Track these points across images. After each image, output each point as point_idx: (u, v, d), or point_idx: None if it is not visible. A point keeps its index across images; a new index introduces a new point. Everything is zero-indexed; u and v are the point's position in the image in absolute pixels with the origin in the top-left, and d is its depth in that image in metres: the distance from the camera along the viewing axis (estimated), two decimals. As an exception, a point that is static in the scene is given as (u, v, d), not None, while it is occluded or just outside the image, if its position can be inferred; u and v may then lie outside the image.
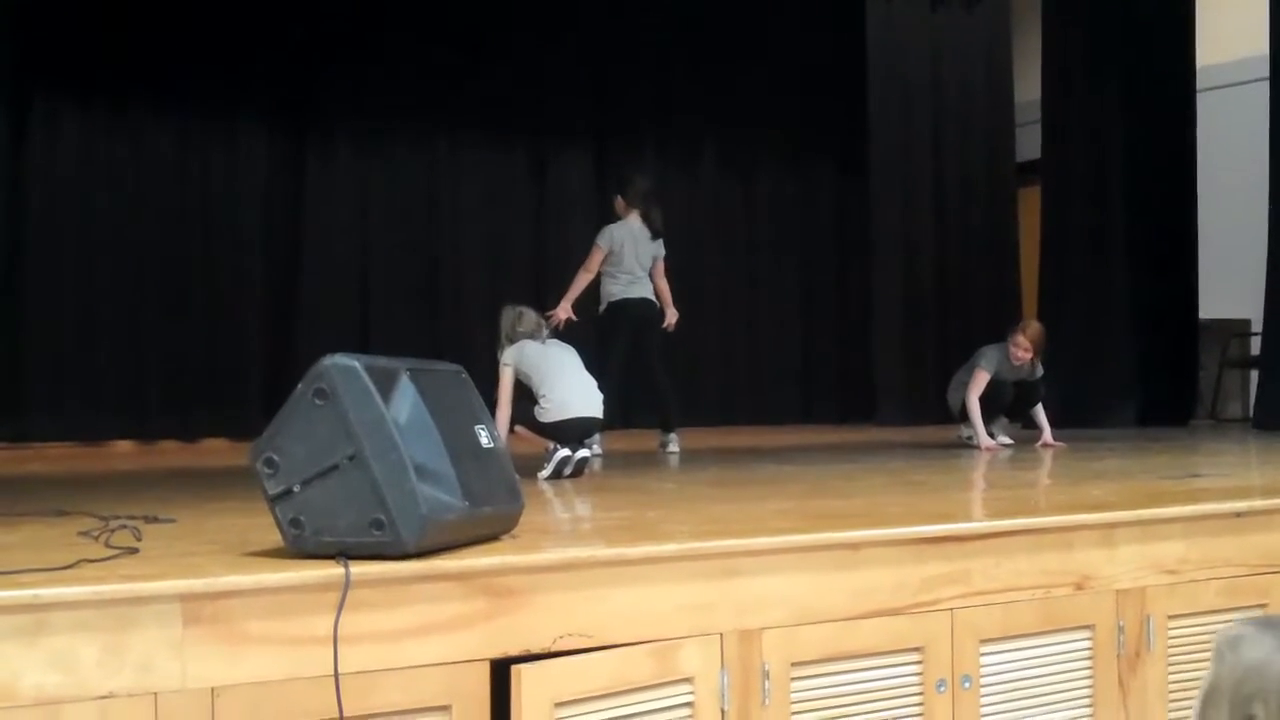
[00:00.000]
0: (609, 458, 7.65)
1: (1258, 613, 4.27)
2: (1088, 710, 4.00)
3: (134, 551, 3.24)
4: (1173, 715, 4.13)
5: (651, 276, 8.26)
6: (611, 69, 11.34)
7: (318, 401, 2.98)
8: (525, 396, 6.16)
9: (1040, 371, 8.39)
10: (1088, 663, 3.99)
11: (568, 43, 11.17)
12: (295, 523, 2.98)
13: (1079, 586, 3.97)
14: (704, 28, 11.43)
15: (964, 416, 8.37)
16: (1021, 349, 8.15)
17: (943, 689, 3.70)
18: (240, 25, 10.00)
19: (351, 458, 2.94)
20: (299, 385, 3.02)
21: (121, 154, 9.95)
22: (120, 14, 9.62)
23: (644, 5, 11.17)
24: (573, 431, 6.06)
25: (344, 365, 3.00)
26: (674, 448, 8.18)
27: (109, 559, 3.10)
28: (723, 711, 3.38)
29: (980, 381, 8.17)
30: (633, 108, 11.48)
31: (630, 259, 8.11)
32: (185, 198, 10.12)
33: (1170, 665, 4.12)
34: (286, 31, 10.25)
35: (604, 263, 8.11)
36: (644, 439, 8.65)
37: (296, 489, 2.97)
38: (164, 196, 10.03)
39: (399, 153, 10.93)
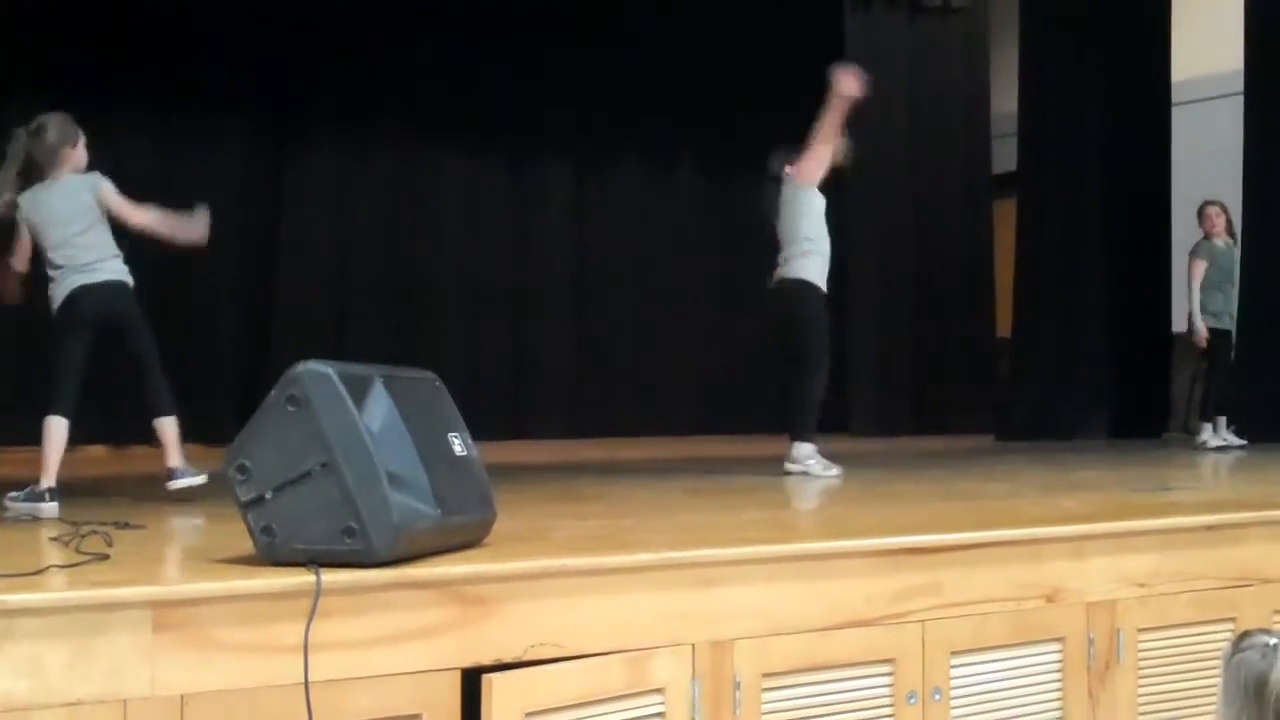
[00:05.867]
0: (585, 467, 7.65)
1: (1228, 627, 4.29)
2: (1058, 722, 4.01)
3: (104, 557, 3.23)
4: (1141, 728, 4.15)
5: None
6: (590, 76, 11.33)
7: (291, 408, 2.97)
8: None
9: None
10: (1058, 675, 4.00)
11: (548, 49, 11.14)
12: (267, 530, 2.98)
13: (1050, 599, 3.98)
14: (682, 36, 11.43)
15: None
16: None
17: (913, 701, 3.71)
18: (219, 28, 9.96)
19: (324, 465, 2.93)
20: (272, 392, 3.02)
21: (96, 154, 9.86)
22: (98, 14, 9.58)
23: (623, 14, 11.17)
24: None
25: (317, 372, 3.00)
26: None
27: (79, 565, 3.09)
28: (694, 721, 3.39)
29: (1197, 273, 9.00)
30: (611, 115, 11.48)
31: None
32: (160, 200, 10.02)
33: (1140, 678, 4.13)
34: (265, 34, 10.21)
35: None
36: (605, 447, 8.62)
37: (269, 496, 2.97)
38: (139, 198, 9.93)
39: (377, 157, 10.91)
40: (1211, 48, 10.74)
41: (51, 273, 5.60)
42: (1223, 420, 9.08)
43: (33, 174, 5.73)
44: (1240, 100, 9.79)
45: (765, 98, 11.84)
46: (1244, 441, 8.93)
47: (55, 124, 5.78)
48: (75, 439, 9.29)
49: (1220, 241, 9.16)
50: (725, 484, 6.43)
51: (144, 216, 5.82)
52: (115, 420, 9.71)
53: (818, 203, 6.95)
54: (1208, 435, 8.99)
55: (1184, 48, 10.76)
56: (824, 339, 6.72)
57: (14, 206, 5.63)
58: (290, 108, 10.50)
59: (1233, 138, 9.78)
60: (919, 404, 11.63)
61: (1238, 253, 9.25)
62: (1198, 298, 9.04)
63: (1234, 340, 9.20)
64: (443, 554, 3.19)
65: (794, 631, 3.55)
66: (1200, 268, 9.05)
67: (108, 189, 5.75)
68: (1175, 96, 10.74)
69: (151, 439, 5.91)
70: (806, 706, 3.57)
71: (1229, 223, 9.22)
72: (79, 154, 5.87)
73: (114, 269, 5.67)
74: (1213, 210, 9.18)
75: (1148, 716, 4.15)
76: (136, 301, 5.74)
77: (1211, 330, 9.06)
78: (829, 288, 6.93)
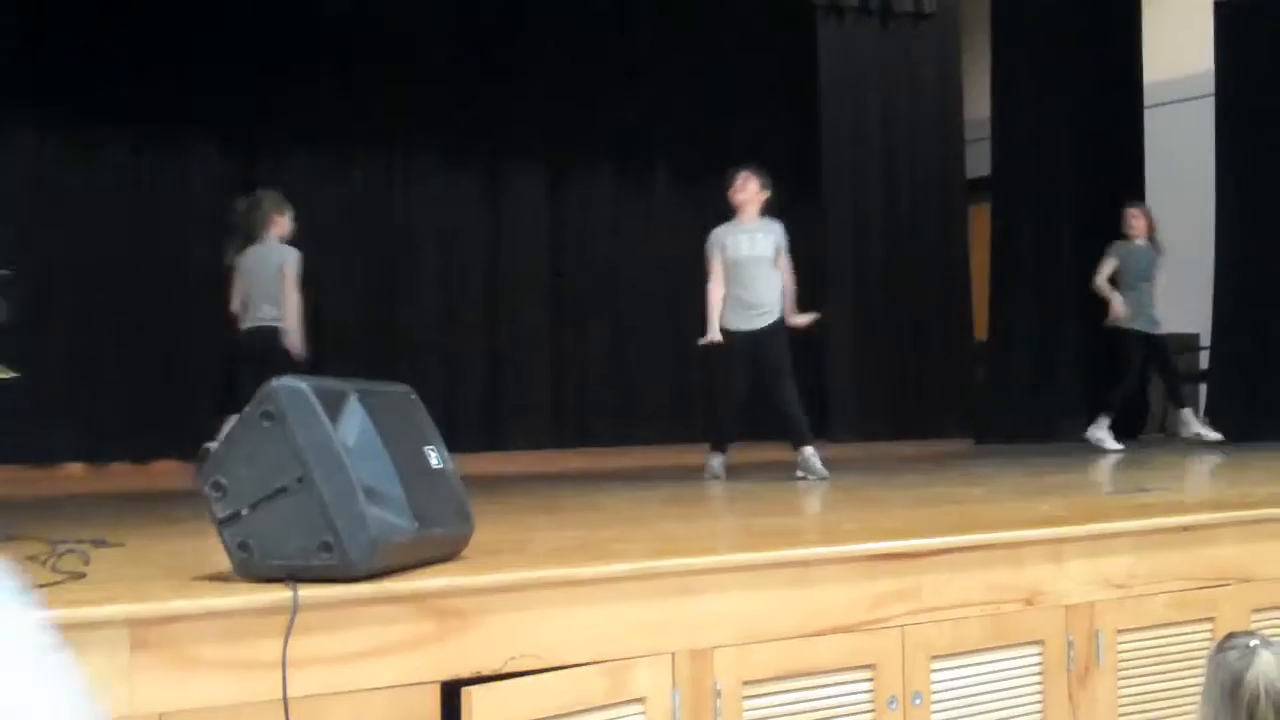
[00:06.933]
0: (563, 478, 7.64)
1: (1207, 627, 4.31)
2: (1038, 725, 4.02)
3: (81, 576, 3.21)
4: (1122, 729, 4.16)
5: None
6: (566, 90, 11.32)
7: (265, 424, 2.97)
8: None
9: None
10: (1038, 678, 4.01)
11: (523, 64, 11.14)
12: (243, 546, 2.97)
13: (1029, 602, 4.00)
14: (657, 46, 11.44)
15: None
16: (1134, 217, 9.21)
17: (894, 706, 3.71)
18: (193, 42, 9.93)
19: (300, 480, 2.93)
20: (247, 408, 3.01)
21: (73, 172, 9.86)
22: (72, 29, 9.55)
23: (597, 24, 11.18)
24: None
25: (292, 387, 2.99)
26: None
27: (56, 584, 3.07)
28: (675, 731, 3.38)
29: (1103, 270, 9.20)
30: (587, 128, 11.48)
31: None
32: (137, 217, 10.02)
33: (1120, 679, 4.15)
34: (239, 44, 10.18)
35: None
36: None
37: (245, 512, 2.96)
38: (115, 215, 9.94)
39: (352, 172, 10.88)
40: (1182, 50, 10.80)
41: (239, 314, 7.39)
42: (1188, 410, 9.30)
43: (249, 238, 7.48)
44: (1211, 102, 9.84)
45: (740, 106, 11.88)
46: (1219, 436, 9.06)
47: (269, 198, 7.51)
48: (53, 458, 9.36)
49: (1139, 242, 9.30)
50: (704, 493, 6.43)
51: (293, 304, 7.35)
52: (93, 439, 9.70)
53: (725, 250, 7.34)
54: (1101, 433, 9.12)
55: (1155, 50, 10.81)
56: (724, 375, 7.51)
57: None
58: (263, 119, 10.46)
59: (1204, 139, 9.83)
60: (898, 409, 11.65)
61: (1161, 258, 9.33)
62: (1105, 288, 9.22)
63: (1153, 341, 9.29)
64: (420, 567, 3.19)
65: (774, 639, 3.55)
66: (1109, 265, 9.23)
67: (291, 265, 7.38)
68: (1147, 99, 10.80)
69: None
70: (788, 713, 3.57)
71: (1151, 226, 9.32)
72: (285, 223, 7.49)
73: (268, 317, 7.32)
74: (1132, 212, 9.33)
75: (1128, 717, 4.17)
76: (278, 341, 7.26)
77: (1129, 332, 9.17)
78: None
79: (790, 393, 7.06)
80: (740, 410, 7.29)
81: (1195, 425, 9.22)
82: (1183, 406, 9.32)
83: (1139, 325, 9.17)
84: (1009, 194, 10.93)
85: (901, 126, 12.18)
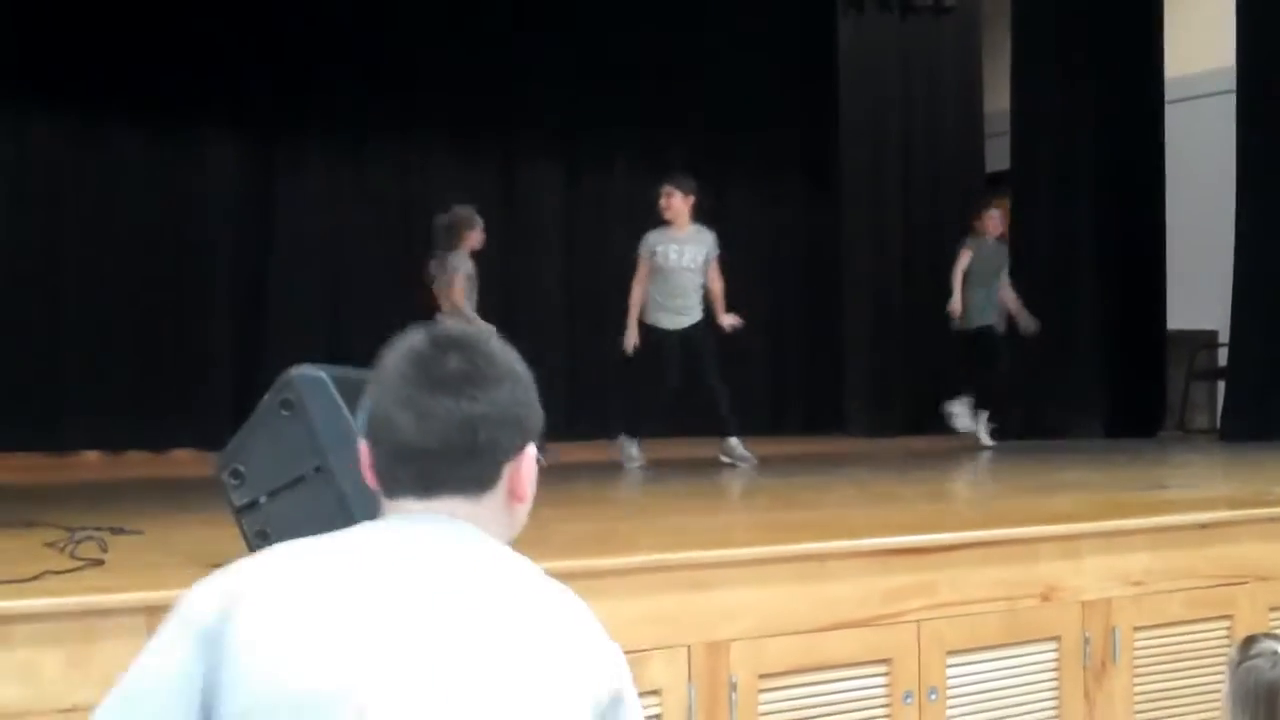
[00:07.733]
0: (580, 469, 7.64)
1: (1224, 624, 4.29)
2: (1054, 721, 4.01)
3: (100, 563, 3.22)
4: (1138, 727, 4.15)
5: None
6: (582, 81, 11.31)
7: (284, 412, 2.96)
8: None
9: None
10: (1054, 674, 4.00)
11: (539, 55, 11.13)
12: (261, 534, 2.97)
13: (1045, 598, 3.99)
14: (674, 40, 11.41)
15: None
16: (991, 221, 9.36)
17: (910, 701, 3.71)
18: (209, 32, 9.92)
19: (318, 470, 2.92)
20: (266, 396, 3.01)
21: (88, 161, 9.86)
22: (87, 19, 9.55)
23: (615, 18, 11.16)
24: None
25: (311, 376, 2.99)
26: None
27: (74, 570, 3.08)
28: (690, 724, 3.38)
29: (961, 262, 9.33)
30: (603, 120, 11.46)
31: None
32: (153, 206, 10.02)
33: (1136, 676, 4.14)
34: (255, 36, 10.19)
35: None
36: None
37: (263, 500, 2.96)
38: (131, 204, 9.93)
39: (369, 162, 10.87)
40: (1204, 45, 10.75)
41: None
42: (984, 415, 9.47)
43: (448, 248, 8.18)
44: (1232, 98, 9.79)
45: (758, 99, 11.87)
46: (993, 444, 9.30)
47: (464, 214, 8.24)
48: (70, 444, 9.38)
49: (991, 240, 9.50)
50: (720, 485, 6.43)
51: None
52: (109, 426, 9.72)
53: (654, 257, 7.99)
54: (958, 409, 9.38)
55: (1176, 45, 10.76)
56: (655, 369, 7.93)
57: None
58: (281, 110, 10.47)
59: (1226, 135, 9.78)
60: (913, 404, 11.61)
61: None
62: (960, 283, 9.41)
63: (997, 338, 9.59)
64: (438, 557, 3.18)
65: (789, 632, 3.55)
66: (966, 258, 9.41)
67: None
68: (1168, 94, 10.74)
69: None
70: (803, 707, 3.57)
71: (1006, 227, 9.62)
72: (475, 236, 8.24)
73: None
74: (998, 212, 9.54)
75: (1144, 715, 4.16)
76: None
77: (980, 329, 9.45)
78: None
79: (720, 379, 7.70)
80: (670, 399, 7.92)
81: (971, 421, 9.47)
82: (984, 408, 9.51)
83: (987, 319, 9.45)
84: (1028, 188, 10.90)
85: (921, 120, 12.14)
